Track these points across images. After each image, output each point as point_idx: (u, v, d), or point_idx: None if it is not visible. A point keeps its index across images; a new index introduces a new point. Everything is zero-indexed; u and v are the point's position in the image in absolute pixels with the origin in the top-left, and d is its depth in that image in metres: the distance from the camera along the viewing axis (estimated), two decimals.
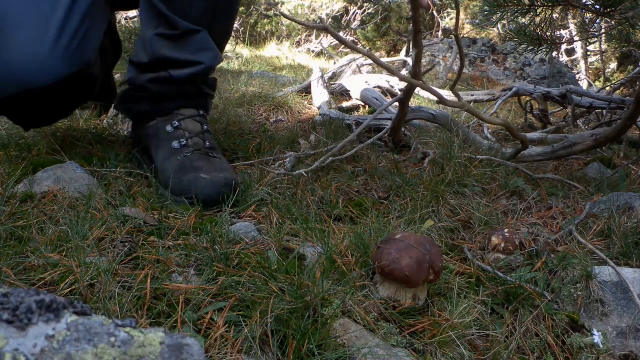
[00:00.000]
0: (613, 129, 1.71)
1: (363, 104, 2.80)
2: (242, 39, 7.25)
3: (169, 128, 1.37)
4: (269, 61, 5.46)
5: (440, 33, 9.20)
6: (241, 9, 7.46)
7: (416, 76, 1.62)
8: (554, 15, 1.96)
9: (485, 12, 1.88)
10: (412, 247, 0.90)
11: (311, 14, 8.63)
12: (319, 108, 2.56)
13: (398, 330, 0.85)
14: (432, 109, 2.12)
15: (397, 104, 1.89)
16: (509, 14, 1.84)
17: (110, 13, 1.55)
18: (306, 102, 2.84)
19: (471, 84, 5.56)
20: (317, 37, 8.21)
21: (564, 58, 9.01)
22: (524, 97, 2.97)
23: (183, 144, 1.34)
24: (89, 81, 1.41)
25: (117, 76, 2.68)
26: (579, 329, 0.94)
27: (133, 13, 5.96)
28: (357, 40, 8.95)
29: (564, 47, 8.56)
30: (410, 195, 1.36)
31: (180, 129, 1.37)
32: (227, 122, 2.01)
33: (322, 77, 2.92)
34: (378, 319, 0.86)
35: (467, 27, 9.20)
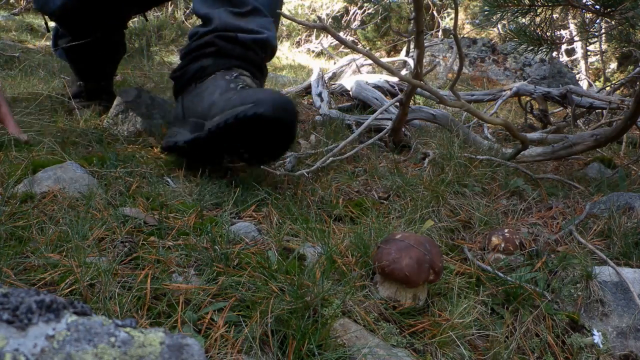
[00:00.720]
0: (613, 129, 1.71)
1: (361, 104, 2.80)
2: None
3: (228, 76, 1.43)
4: None
5: (440, 33, 9.20)
6: None
7: (418, 76, 1.62)
8: (554, 15, 1.96)
9: (485, 12, 1.88)
10: (412, 247, 0.90)
11: (311, 13, 8.63)
12: (318, 108, 2.55)
13: (398, 330, 0.85)
14: (432, 109, 2.12)
15: (397, 103, 1.89)
16: (509, 14, 1.84)
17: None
18: (306, 102, 2.84)
19: (471, 84, 5.56)
20: (317, 37, 8.21)
21: (564, 58, 9.00)
22: (524, 97, 2.96)
23: (240, 86, 1.39)
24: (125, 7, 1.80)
25: (117, 77, 2.68)
26: (579, 329, 0.94)
27: None
28: (357, 40, 8.94)
29: (564, 47, 8.56)
30: (410, 195, 1.36)
31: (240, 78, 1.43)
32: None
33: (322, 77, 2.92)
34: (378, 319, 0.86)
35: (467, 27, 9.19)
